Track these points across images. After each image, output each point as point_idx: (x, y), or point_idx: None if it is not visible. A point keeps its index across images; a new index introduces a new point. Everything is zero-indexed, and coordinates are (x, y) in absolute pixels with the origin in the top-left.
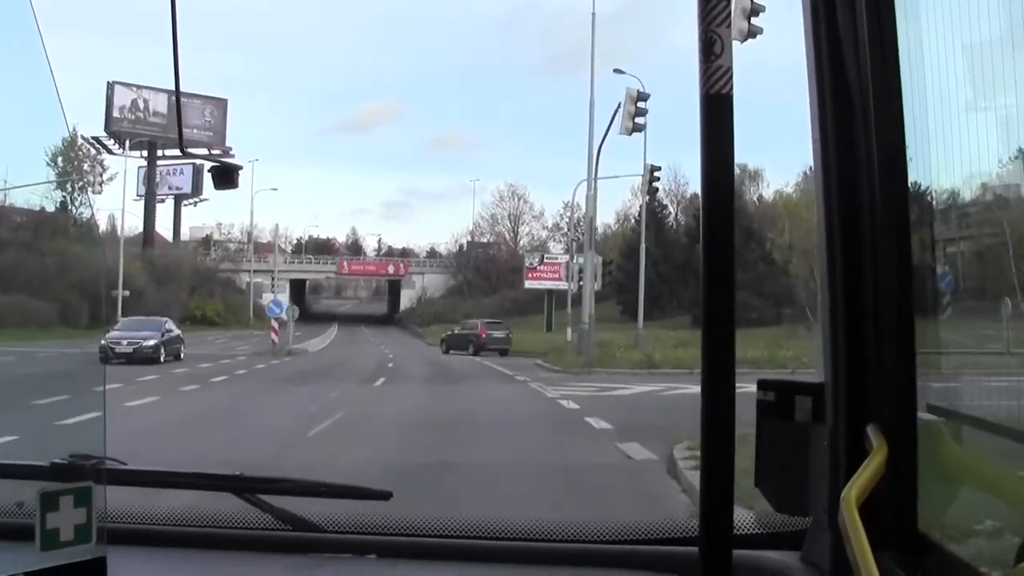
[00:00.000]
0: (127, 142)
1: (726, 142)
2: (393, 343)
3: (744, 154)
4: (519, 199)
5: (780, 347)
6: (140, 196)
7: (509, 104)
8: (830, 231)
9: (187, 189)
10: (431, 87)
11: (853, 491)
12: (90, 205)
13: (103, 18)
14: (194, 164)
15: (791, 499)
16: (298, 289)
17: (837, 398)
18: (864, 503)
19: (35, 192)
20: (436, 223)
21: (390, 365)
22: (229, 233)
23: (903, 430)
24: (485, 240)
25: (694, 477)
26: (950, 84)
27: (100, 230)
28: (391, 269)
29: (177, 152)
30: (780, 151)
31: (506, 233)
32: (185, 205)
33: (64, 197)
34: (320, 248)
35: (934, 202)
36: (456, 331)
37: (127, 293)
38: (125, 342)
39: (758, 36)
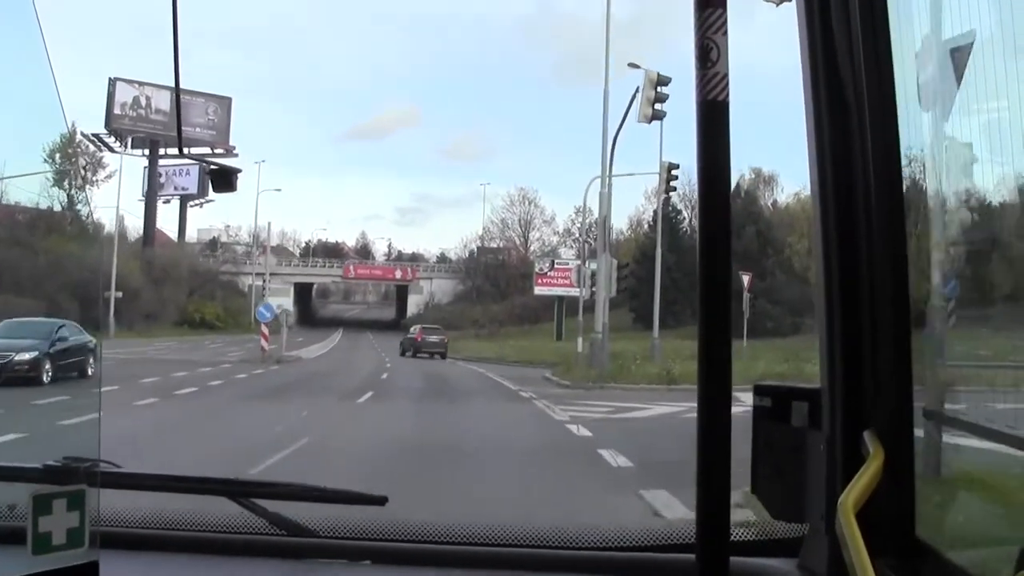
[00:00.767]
0: (129, 140)
1: (723, 149)
2: (395, 350)
3: (758, 158)
4: (530, 203)
5: (806, 360)
6: (141, 200)
7: (522, 111)
8: (826, 237)
9: (193, 190)
10: (445, 94)
11: (850, 497)
12: (87, 203)
13: (107, 13)
14: (200, 164)
15: (788, 506)
16: (304, 293)
17: (834, 404)
18: (861, 509)
19: (31, 189)
20: (449, 229)
21: (384, 376)
22: (236, 235)
23: (900, 436)
24: (495, 245)
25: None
26: (944, 88)
27: (105, 229)
28: (398, 274)
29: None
30: (796, 155)
31: (516, 238)
32: (191, 206)
33: (62, 194)
34: (329, 252)
35: (930, 208)
36: (405, 336)
37: (120, 294)
38: None
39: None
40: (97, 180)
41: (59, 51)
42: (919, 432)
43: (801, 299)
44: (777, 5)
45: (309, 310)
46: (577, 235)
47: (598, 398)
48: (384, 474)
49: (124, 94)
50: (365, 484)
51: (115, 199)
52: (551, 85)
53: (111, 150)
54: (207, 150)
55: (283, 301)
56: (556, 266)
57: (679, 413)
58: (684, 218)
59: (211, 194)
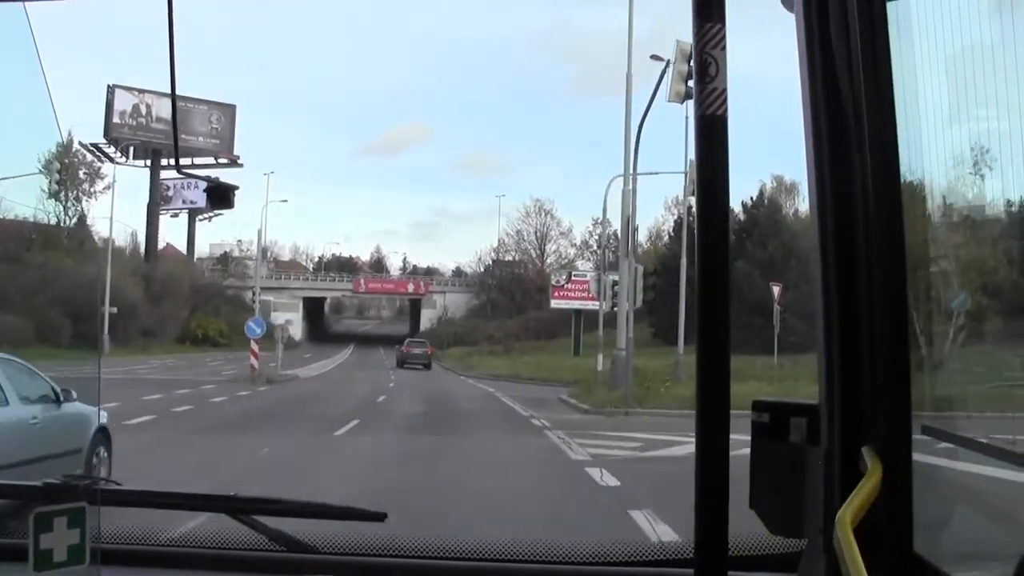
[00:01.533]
0: (131, 150)
1: (722, 163)
2: (403, 368)
3: (780, 166)
4: (546, 215)
5: None
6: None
7: (539, 125)
8: (824, 252)
9: (201, 203)
10: (459, 109)
11: (848, 513)
12: (82, 215)
13: (108, 18)
14: (208, 177)
15: (786, 521)
16: (315, 308)
17: (832, 419)
18: (859, 525)
19: (26, 201)
20: (465, 244)
21: (380, 399)
22: (248, 250)
23: (898, 452)
24: (510, 258)
25: None
26: (943, 95)
27: (115, 242)
28: (411, 287)
29: (182, 162)
30: None
31: (532, 250)
32: (200, 220)
33: (58, 206)
34: (343, 266)
35: (930, 220)
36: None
37: (115, 310)
38: None
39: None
40: (95, 191)
41: (56, 58)
42: (917, 448)
43: None
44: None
45: (321, 325)
46: (595, 247)
47: (623, 428)
48: None
49: (123, 102)
50: None
51: (113, 211)
52: (566, 98)
53: (112, 160)
54: (210, 159)
55: (291, 316)
56: (574, 278)
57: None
58: None
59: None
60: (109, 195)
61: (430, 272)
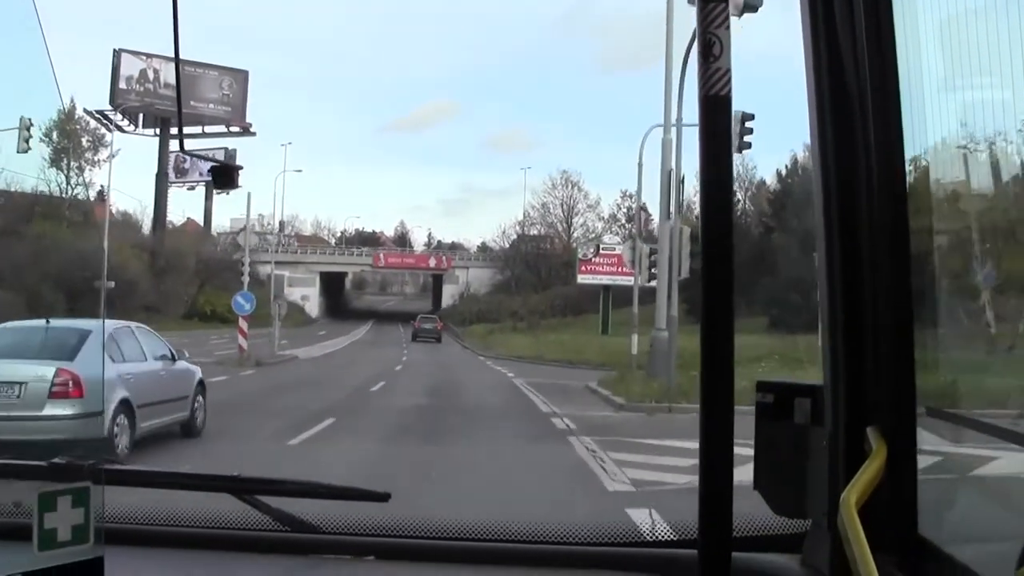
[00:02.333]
0: (141, 117)
1: (725, 143)
2: (419, 346)
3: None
4: (573, 186)
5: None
6: (170, 184)
7: (566, 101)
8: (828, 232)
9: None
10: (487, 85)
11: (853, 494)
12: (85, 185)
13: None
14: (226, 149)
15: (790, 502)
16: (333, 283)
17: (836, 400)
18: (864, 506)
19: (26, 171)
20: (492, 220)
21: (376, 388)
22: (269, 224)
23: (902, 432)
24: (535, 232)
25: None
26: (948, 81)
27: (110, 215)
28: (433, 262)
29: (191, 131)
30: None
31: (558, 224)
32: (217, 193)
33: (60, 175)
34: (366, 241)
35: (933, 202)
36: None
37: (112, 284)
38: None
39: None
40: (99, 160)
41: (60, 21)
42: (922, 428)
43: None
44: None
45: (340, 301)
46: (624, 221)
47: (668, 432)
48: None
49: (130, 67)
50: None
51: (110, 180)
52: (593, 75)
53: (120, 129)
54: (222, 128)
55: (307, 292)
56: (602, 251)
57: None
58: (738, 200)
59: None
60: (112, 164)
61: (455, 247)
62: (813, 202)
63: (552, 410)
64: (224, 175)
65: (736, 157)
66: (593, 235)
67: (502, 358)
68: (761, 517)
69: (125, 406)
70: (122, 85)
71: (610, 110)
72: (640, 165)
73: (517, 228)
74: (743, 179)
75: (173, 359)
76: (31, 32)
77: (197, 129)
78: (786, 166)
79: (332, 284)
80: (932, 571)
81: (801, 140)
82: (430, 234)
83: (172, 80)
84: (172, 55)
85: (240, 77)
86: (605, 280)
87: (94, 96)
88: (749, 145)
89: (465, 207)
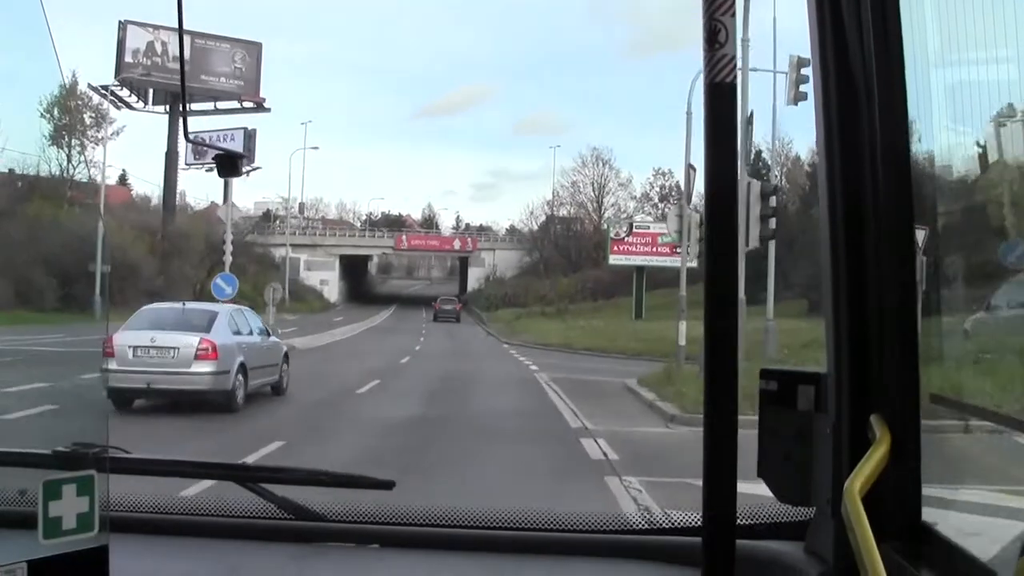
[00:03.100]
0: (151, 93)
1: (730, 129)
2: (438, 333)
3: None
4: (604, 164)
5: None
6: (188, 165)
7: (597, 84)
8: (833, 219)
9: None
10: (518, 69)
11: (856, 482)
12: (87, 164)
13: None
14: (245, 129)
15: (794, 489)
16: (355, 267)
17: (840, 388)
18: (867, 494)
19: (26, 148)
20: (522, 203)
21: (367, 388)
22: (292, 207)
23: (906, 420)
24: (565, 212)
25: None
26: (954, 69)
27: (105, 195)
28: (457, 244)
29: (202, 106)
30: None
31: (588, 203)
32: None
33: (61, 154)
34: (392, 224)
35: (938, 189)
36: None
37: (107, 268)
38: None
39: None
40: (102, 138)
41: None
42: (926, 416)
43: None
44: None
45: (362, 285)
46: (656, 200)
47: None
48: None
49: (137, 39)
50: None
51: (132, 164)
52: (625, 57)
53: (128, 106)
54: (234, 103)
55: (327, 276)
56: (635, 230)
57: None
58: (775, 176)
59: (258, 161)
60: (122, 142)
61: (483, 230)
62: (818, 190)
63: (583, 424)
64: (227, 164)
65: (766, 128)
66: (625, 215)
67: (528, 346)
68: (764, 505)
69: (242, 368)
70: (128, 59)
71: (642, 91)
72: (688, 114)
73: (546, 208)
74: (778, 154)
75: (268, 335)
76: (29, 1)
77: (208, 104)
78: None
79: (354, 268)
80: (936, 559)
81: None
82: (458, 217)
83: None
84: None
85: (253, 50)
86: (639, 261)
87: (99, 71)
88: (805, 96)
89: (495, 192)
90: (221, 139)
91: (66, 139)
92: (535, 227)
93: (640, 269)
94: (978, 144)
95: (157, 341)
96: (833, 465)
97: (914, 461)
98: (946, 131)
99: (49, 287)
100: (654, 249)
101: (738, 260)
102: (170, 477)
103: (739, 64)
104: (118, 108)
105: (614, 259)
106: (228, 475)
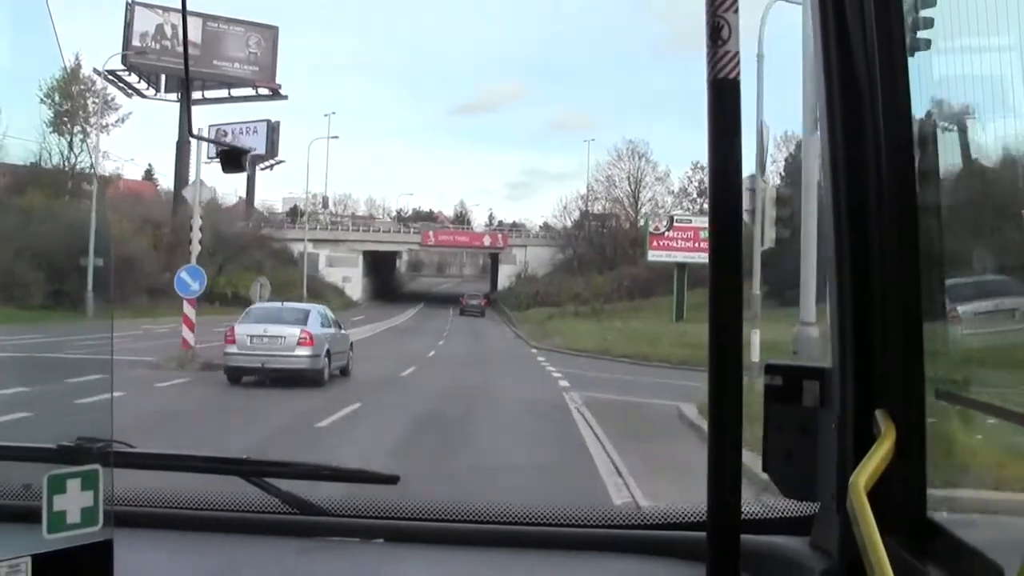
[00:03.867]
0: (163, 79)
1: (734, 127)
2: (460, 335)
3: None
4: (640, 157)
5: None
6: (212, 158)
7: (632, 82)
8: (838, 215)
9: (261, 150)
10: (553, 68)
11: (861, 476)
12: (89, 152)
13: None
14: (268, 122)
15: (799, 484)
16: (381, 263)
17: (845, 383)
18: (872, 488)
19: (27, 135)
20: (557, 202)
21: (339, 416)
22: (315, 202)
23: (911, 415)
24: (599, 208)
25: None
26: (958, 67)
27: (100, 185)
28: (487, 240)
29: (216, 94)
30: None
31: (625, 198)
32: (261, 168)
33: (62, 141)
34: (423, 220)
35: (942, 186)
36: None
37: (100, 262)
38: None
39: None
40: (107, 125)
41: None
42: (931, 411)
43: None
44: None
45: (389, 283)
46: (695, 195)
47: None
48: None
49: (145, 22)
50: None
51: (144, 154)
52: (659, 55)
53: (138, 93)
54: (249, 90)
55: (349, 272)
56: (676, 224)
57: None
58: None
59: (281, 154)
60: (127, 130)
61: (515, 227)
62: (822, 183)
63: (631, 494)
64: (232, 159)
65: (783, 124)
66: (662, 210)
67: (559, 351)
68: (770, 500)
69: (328, 353)
70: (136, 42)
71: (677, 87)
72: (760, 56)
73: (580, 204)
74: (788, 141)
75: (340, 327)
76: None
77: (223, 92)
78: None
79: (380, 264)
80: (941, 553)
81: None
82: (491, 215)
83: (192, 36)
84: (195, 10)
85: (269, 34)
86: (679, 257)
87: (106, 55)
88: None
89: (530, 191)
90: (243, 132)
91: (68, 126)
92: (569, 223)
93: (681, 266)
94: (982, 137)
95: (269, 331)
96: (838, 460)
97: (919, 456)
98: (950, 125)
99: (36, 283)
100: (696, 244)
101: (741, 258)
102: (174, 471)
103: (756, 80)
104: (128, 95)
105: (653, 255)
106: (233, 469)
